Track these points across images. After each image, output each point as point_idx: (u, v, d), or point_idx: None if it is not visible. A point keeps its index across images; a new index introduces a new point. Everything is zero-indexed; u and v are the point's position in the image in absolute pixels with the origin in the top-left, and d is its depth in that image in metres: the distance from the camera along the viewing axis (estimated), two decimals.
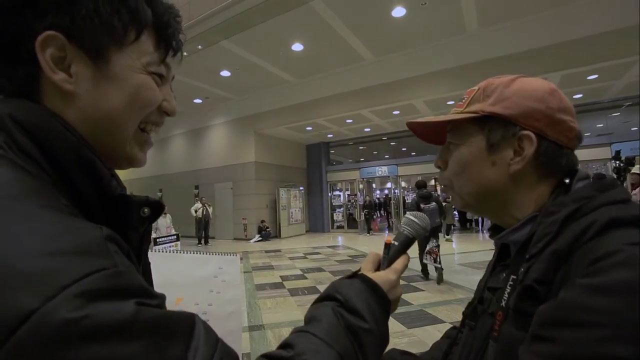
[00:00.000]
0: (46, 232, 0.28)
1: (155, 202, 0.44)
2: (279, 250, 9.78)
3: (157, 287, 0.51)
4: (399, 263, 0.58)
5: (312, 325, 0.46)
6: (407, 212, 0.64)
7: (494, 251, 0.66)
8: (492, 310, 0.54)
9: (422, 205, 5.42)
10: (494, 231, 0.62)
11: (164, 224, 7.46)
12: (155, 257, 0.88)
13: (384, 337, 0.50)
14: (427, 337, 3.27)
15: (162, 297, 0.32)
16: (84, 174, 0.37)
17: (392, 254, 0.59)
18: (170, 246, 4.30)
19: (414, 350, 2.83)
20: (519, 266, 0.49)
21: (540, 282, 0.43)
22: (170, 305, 0.80)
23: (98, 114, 0.40)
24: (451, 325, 0.76)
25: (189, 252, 0.90)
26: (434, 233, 5.38)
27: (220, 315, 0.84)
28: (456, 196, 0.60)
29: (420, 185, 5.86)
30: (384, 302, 0.52)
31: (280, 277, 6.26)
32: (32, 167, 0.34)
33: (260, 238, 12.15)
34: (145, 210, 0.42)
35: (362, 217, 13.58)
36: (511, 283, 0.49)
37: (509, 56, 7.69)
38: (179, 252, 0.90)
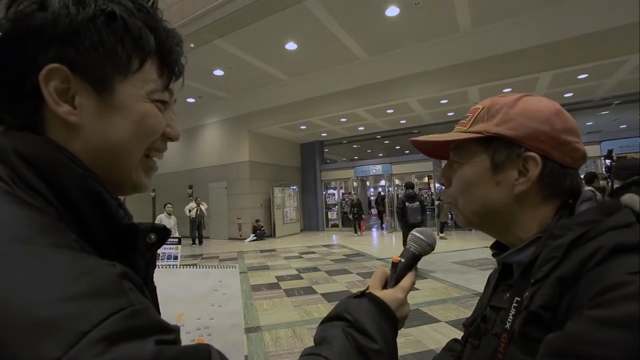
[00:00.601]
0: (60, 275, 0.27)
1: (161, 228, 0.44)
2: (274, 250, 9.77)
3: (159, 304, 0.51)
4: (406, 281, 0.58)
5: (324, 348, 0.46)
6: (414, 229, 0.65)
7: (495, 267, 0.67)
8: (496, 331, 0.54)
9: (407, 204, 6.37)
10: (497, 249, 0.62)
11: (168, 226, 7.37)
12: (155, 273, 0.88)
13: (393, 356, 0.51)
14: (424, 336, 3.30)
15: (176, 331, 0.33)
16: (92, 206, 0.37)
17: (399, 271, 0.59)
18: (170, 248, 4.26)
19: (410, 350, 2.84)
20: (523, 289, 0.49)
21: (545, 308, 0.43)
22: (172, 321, 0.81)
23: (103, 145, 0.40)
24: (447, 324, 0.76)
25: (188, 267, 0.90)
26: (420, 226, 5.79)
27: (222, 328, 0.84)
28: (459, 214, 0.60)
29: (408, 186, 6.81)
30: (392, 321, 0.52)
31: (276, 277, 6.26)
32: (39, 202, 0.34)
33: (255, 237, 12.12)
34: (152, 236, 0.42)
35: (350, 217, 13.33)
36: (515, 305, 0.49)
37: (502, 55, 7.78)
38: (178, 266, 0.90)
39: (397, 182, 15.31)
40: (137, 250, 0.41)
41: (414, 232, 0.63)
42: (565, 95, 9.80)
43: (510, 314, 0.49)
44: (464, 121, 0.59)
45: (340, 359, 0.44)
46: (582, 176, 4.79)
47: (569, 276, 0.43)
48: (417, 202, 6.37)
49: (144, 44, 0.41)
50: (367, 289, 0.58)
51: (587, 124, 11.53)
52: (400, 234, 7.36)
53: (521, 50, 7.55)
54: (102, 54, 0.38)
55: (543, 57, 7.43)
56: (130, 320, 0.27)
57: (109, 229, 0.38)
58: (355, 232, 12.79)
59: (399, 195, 14.58)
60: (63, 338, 0.24)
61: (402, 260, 0.60)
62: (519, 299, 0.49)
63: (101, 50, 0.38)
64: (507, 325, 0.49)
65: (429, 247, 0.62)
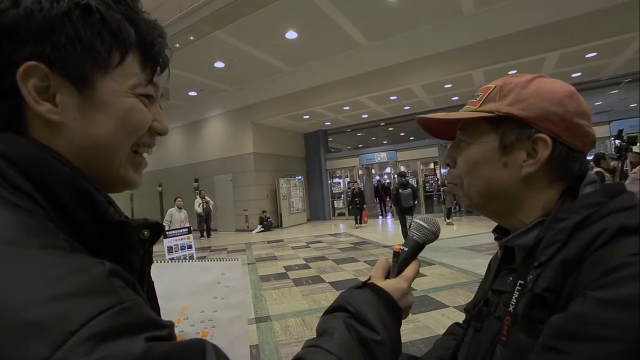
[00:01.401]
0: (48, 275, 0.27)
1: (155, 223, 0.43)
2: (281, 240, 9.85)
3: (162, 299, 0.51)
4: (409, 270, 0.58)
5: (324, 340, 0.46)
6: (416, 217, 0.64)
7: (496, 252, 0.66)
8: (499, 314, 0.54)
9: (400, 191, 7.32)
10: (499, 233, 0.62)
11: (177, 219, 7.31)
12: (157, 268, 0.88)
13: (396, 347, 0.50)
14: (432, 322, 3.32)
15: (170, 326, 0.32)
16: (80, 204, 0.36)
17: (401, 260, 0.58)
18: (182, 238, 4.28)
19: (419, 336, 2.87)
20: (526, 272, 0.49)
21: (549, 290, 0.44)
22: (176, 314, 0.82)
23: (88, 142, 0.39)
24: (455, 310, 0.76)
25: (189, 260, 0.90)
26: (409, 211, 7.31)
27: (226, 321, 0.84)
28: (463, 195, 0.60)
29: (401, 175, 7.90)
30: (395, 311, 0.52)
31: (284, 267, 6.32)
32: (26, 202, 0.33)
33: (262, 228, 12.22)
34: (145, 232, 0.42)
35: (351, 207, 12.35)
36: (519, 288, 0.49)
37: (507, 36, 7.59)
38: (180, 260, 0.90)
39: (402, 168, 15.25)
40: (130, 247, 0.40)
41: (418, 220, 0.62)
42: (573, 75, 9.59)
43: (514, 297, 0.50)
44: (473, 100, 0.58)
45: (341, 350, 0.44)
46: (590, 157, 4.72)
47: (572, 258, 0.43)
48: (409, 189, 7.34)
49: (123, 38, 0.39)
50: (370, 279, 0.57)
51: (596, 104, 11.32)
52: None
53: (526, 31, 7.36)
54: (79, 49, 0.37)
55: (549, 37, 7.25)
56: (120, 317, 0.27)
57: (100, 227, 0.37)
58: (357, 223, 11.83)
59: (394, 183, 14.62)
60: (50, 338, 0.24)
61: (405, 249, 0.59)
62: (522, 282, 0.49)
63: (78, 45, 0.36)
64: (510, 308, 0.49)
65: (433, 236, 0.61)
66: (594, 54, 7.98)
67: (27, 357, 0.23)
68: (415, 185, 11.87)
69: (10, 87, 0.35)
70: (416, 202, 7.89)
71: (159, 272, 0.87)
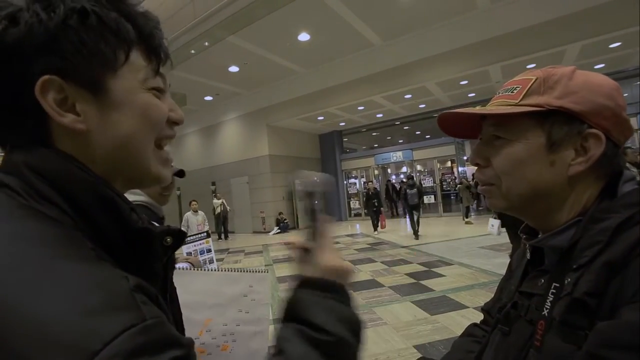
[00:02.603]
0: (73, 290, 0.28)
1: (177, 230, 0.43)
2: None
3: (188, 308, 0.52)
4: (320, 236, 0.48)
5: (281, 356, 0.39)
6: (296, 180, 0.52)
7: (517, 252, 0.64)
8: (530, 317, 0.51)
9: (407, 190, 8.68)
10: (528, 233, 0.59)
11: (194, 222, 7.29)
12: (186, 275, 0.88)
13: (354, 329, 0.43)
14: (451, 323, 3.25)
15: (189, 345, 0.32)
16: (105, 212, 0.37)
17: (312, 228, 0.49)
18: (200, 243, 4.29)
19: (438, 337, 2.82)
20: (562, 274, 0.47)
21: (591, 294, 0.41)
22: (199, 326, 0.82)
23: (114, 145, 0.40)
24: (475, 310, 0.73)
25: (220, 270, 0.89)
26: (416, 208, 8.66)
27: (247, 335, 0.84)
28: (501, 197, 0.55)
29: (408, 177, 9.52)
30: (336, 293, 0.44)
31: None
32: (55, 212, 0.34)
33: (278, 230, 12.29)
34: (168, 239, 0.42)
35: (366, 211, 10.65)
36: (554, 291, 0.47)
37: (525, 30, 7.38)
38: (212, 269, 0.90)
39: (419, 167, 15.04)
40: (153, 253, 0.41)
41: (295, 180, 0.51)
42: (596, 67, 9.24)
43: (548, 301, 0.47)
44: (510, 93, 0.53)
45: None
46: None
47: (617, 261, 0.41)
48: (415, 189, 8.70)
49: (124, 35, 0.39)
50: (299, 274, 0.48)
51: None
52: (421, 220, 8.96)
53: (545, 23, 7.13)
54: (86, 54, 0.37)
55: (570, 28, 7.00)
56: (143, 336, 0.27)
57: (125, 234, 0.38)
58: (375, 230, 10.25)
59: (421, 181, 14.42)
60: (74, 358, 0.24)
61: (305, 212, 0.49)
62: (557, 284, 0.47)
63: (84, 50, 0.37)
64: (545, 312, 0.47)
65: (314, 180, 0.50)
66: (619, 43, 7.66)
67: None
68: (433, 184, 12.40)
69: (32, 104, 0.36)
70: (422, 199, 9.20)
71: (187, 280, 0.87)
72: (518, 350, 0.51)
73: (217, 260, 4.66)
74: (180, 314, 0.50)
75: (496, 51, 7.94)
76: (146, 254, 0.40)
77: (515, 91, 0.53)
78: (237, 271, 0.90)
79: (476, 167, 0.59)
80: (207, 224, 7.36)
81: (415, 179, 9.92)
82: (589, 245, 0.44)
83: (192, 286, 0.84)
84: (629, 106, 9.89)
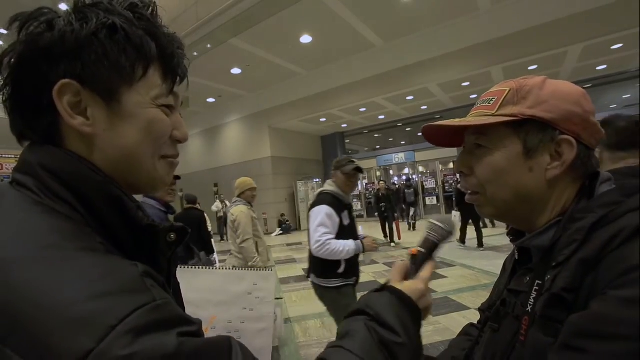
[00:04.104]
0: (89, 276, 0.31)
1: (180, 227, 0.46)
2: (300, 243, 9.89)
3: (193, 305, 0.54)
4: (426, 271, 0.58)
5: (346, 341, 0.47)
6: (431, 218, 0.64)
7: (511, 252, 0.66)
8: (517, 314, 0.54)
9: (405, 190, 10.80)
10: (513, 235, 0.61)
11: None
12: (189, 273, 0.89)
13: (417, 349, 0.51)
14: (453, 324, 3.26)
15: (198, 323, 0.35)
16: (113, 210, 0.40)
17: (419, 261, 0.60)
18: None
19: (439, 338, 2.82)
20: (544, 272, 0.49)
21: (567, 290, 0.44)
22: (205, 323, 0.83)
23: (117, 151, 0.42)
24: (477, 312, 0.76)
25: (224, 268, 0.91)
26: (413, 204, 10.75)
27: (251, 332, 0.85)
28: (487, 204, 0.58)
29: (407, 180, 11.73)
30: (414, 313, 0.52)
31: (303, 269, 6.33)
32: (66, 209, 0.37)
33: (281, 232, 12.32)
34: (172, 235, 0.44)
35: (377, 214, 8.74)
36: (536, 288, 0.49)
37: (527, 31, 7.37)
38: (214, 267, 0.91)
39: (421, 169, 15.01)
40: (158, 249, 0.43)
41: (433, 220, 0.62)
42: (598, 68, 9.20)
43: (532, 297, 0.50)
44: (487, 104, 0.56)
45: (363, 351, 0.45)
46: None
47: (591, 258, 0.43)
48: (412, 189, 10.90)
49: (146, 52, 0.42)
50: (388, 282, 0.58)
51: (624, 96, 10.82)
52: (423, 222, 9.71)
53: (547, 24, 7.12)
54: (107, 65, 0.40)
55: (571, 29, 6.99)
56: (154, 314, 0.30)
57: (131, 231, 0.41)
58: (391, 242, 8.37)
59: (423, 183, 14.38)
60: (94, 332, 0.27)
61: (422, 250, 0.60)
62: (539, 282, 0.49)
63: (106, 62, 0.40)
64: (529, 308, 0.49)
65: (448, 234, 0.61)
66: (620, 45, 7.64)
67: (75, 349, 0.26)
68: (435, 186, 13.17)
69: (48, 104, 0.39)
70: (417, 197, 11.52)
71: (192, 278, 0.88)
72: (505, 346, 0.54)
73: (220, 261, 4.69)
74: (184, 308, 0.53)
75: (498, 53, 7.94)
76: (152, 249, 0.42)
77: (491, 102, 0.56)
78: (242, 269, 0.91)
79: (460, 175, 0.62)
80: (209, 224, 7.37)
81: (412, 181, 12.49)
82: (567, 244, 0.47)
83: (197, 284, 0.85)
84: (632, 107, 9.87)
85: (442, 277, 5.00)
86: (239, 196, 3.36)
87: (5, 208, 0.36)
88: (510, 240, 0.62)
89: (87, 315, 0.28)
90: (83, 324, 0.27)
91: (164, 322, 0.30)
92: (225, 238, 11.95)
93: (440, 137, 0.65)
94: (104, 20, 0.40)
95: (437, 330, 3.16)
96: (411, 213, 10.74)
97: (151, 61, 0.43)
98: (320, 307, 4.18)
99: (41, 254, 0.31)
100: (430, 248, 0.60)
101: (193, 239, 2.78)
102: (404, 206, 11.10)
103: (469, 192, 0.60)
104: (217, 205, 11.90)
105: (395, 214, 8.98)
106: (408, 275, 0.59)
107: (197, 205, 4.82)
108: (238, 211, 3.20)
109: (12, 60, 0.39)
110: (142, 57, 0.42)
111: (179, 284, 0.52)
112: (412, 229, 10.43)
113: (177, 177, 1.78)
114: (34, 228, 0.33)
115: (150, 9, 0.45)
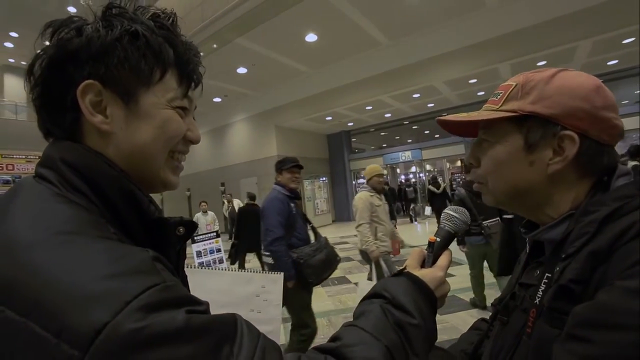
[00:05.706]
0: (104, 258, 0.33)
1: (189, 222, 0.49)
2: None
3: None
4: (443, 259, 0.60)
5: (360, 320, 0.49)
6: (447, 208, 0.65)
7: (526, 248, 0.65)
8: (525, 306, 0.54)
9: (406, 189, 11.14)
10: (527, 228, 0.61)
11: (204, 222, 7.43)
12: (198, 274, 0.90)
13: (432, 333, 0.52)
14: (460, 323, 3.24)
15: (206, 303, 0.37)
16: (126, 203, 0.42)
17: (436, 250, 0.61)
18: (210, 243, 4.33)
19: (446, 337, 2.82)
20: (554, 264, 0.48)
21: (576, 281, 0.43)
22: None
23: (132, 148, 0.46)
24: (484, 311, 0.76)
25: (232, 270, 0.91)
26: (413, 201, 12.42)
27: None
28: (489, 194, 0.60)
29: (407, 180, 12.37)
30: (430, 298, 0.54)
31: None
32: (84, 201, 0.40)
33: None
34: (181, 229, 0.48)
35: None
36: (545, 281, 0.49)
37: (534, 27, 7.26)
38: (222, 269, 0.92)
39: (428, 167, 14.92)
40: (168, 241, 0.46)
41: (448, 210, 0.64)
42: (609, 63, 9.06)
43: (540, 290, 0.49)
44: (494, 99, 0.57)
45: (376, 330, 0.46)
46: (627, 149, 4.43)
47: (601, 250, 0.42)
48: (412, 188, 12.05)
49: (164, 57, 0.46)
50: (405, 268, 0.59)
51: (636, 92, 10.61)
52: (428, 221, 10.34)
53: (555, 19, 7.01)
54: (128, 68, 0.44)
55: (581, 24, 6.87)
56: (164, 293, 0.32)
57: (143, 223, 0.43)
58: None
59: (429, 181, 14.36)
60: (110, 306, 0.29)
61: (438, 239, 0.62)
62: (549, 274, 0.49)
63: (127, 65, 0.43)
64: (537, 301, 0.49)
65: (463, 225, 0.63)
66: (632, 39, 7.49)
67: (92, 321, 0.28)
68: (443, 184, 13.37)
69: (72, 102, 0.43)
70: (417, 195, 13.44)
71: (201, 279, 0.88)
72: (513, 338, 0.54)
73: (227, 260, 4.71)
74: None
75: (505, 49, 7.84)
76: (161, 242, 0.45)
77: (498, 96, 0.57)
78: (250, 271, 0.92)
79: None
80: (217, 224, 7.46)
81: (414, 179, 14.60)
82: (578, 236, 0.46)
83: (205, 285, 0.86)
84: None
85: (450, 275, 4.94)
86: (367, 182, 3.50)
87: (27, 199, 0.39)
88: (523, 234, 0.61)
89: (104, 292, 0.30)
90: (100, 299, 0.29)
91: (173, 301, 0.33)
92: (233, 237, 11.99)
93: (456, 128, 0.66)
94: (127, 28, 0.44)
95: (444, 329, 3.14)
96: (411, 207, 13.10)
97: (168, 66, 0.47)
98: (326, 305, 4.19)
99: (59, 239, 0.34)
100: (446, 238, 0.62)
101: (255, 230, 3.12)
102: (403, 203, 13.44)
103: (476, 182, 0.62)
104: (225, 207, 11.95)
105: (396, 215, 8.31)
106: (425, 262, 0.61)
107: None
108: (357, 197, 3.44)
109: (43, 62, 0.43)
110: (160, 62, 0.46)
111: (186, 276, 0.54)
112: (412, 221, 12.56)
113: (300, 167, 1.87)
114: (52, 215, 0.36)
115: (171, 19, 0.49)
